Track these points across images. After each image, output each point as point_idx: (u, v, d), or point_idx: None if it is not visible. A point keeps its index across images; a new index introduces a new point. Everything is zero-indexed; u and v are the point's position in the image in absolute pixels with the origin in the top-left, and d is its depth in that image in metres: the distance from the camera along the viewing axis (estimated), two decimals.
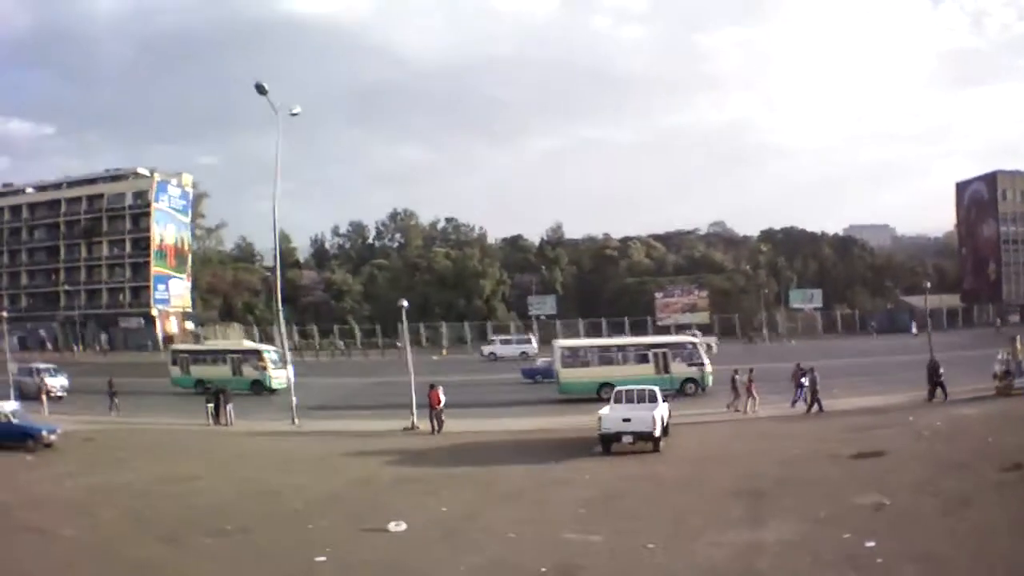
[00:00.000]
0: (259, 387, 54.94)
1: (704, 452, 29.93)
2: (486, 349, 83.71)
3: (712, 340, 75.08)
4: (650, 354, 47.15)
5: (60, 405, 48.01)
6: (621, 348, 49.58)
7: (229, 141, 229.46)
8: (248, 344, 64.86)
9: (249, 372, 55.81)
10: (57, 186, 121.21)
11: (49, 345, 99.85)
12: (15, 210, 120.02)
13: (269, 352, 58.08)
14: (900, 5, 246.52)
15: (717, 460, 28.06)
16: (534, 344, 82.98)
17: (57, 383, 52.58)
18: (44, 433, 33.87)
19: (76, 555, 18.69)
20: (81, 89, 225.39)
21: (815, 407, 37.24)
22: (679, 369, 46.63)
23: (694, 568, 16.42)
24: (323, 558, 17.69)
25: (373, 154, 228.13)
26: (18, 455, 32.07)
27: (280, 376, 53.08)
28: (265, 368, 55.56)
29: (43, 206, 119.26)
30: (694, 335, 60.95)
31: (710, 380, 46.46)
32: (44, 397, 45.67)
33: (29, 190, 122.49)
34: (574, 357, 48.25)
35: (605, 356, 48.17)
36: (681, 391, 45.03)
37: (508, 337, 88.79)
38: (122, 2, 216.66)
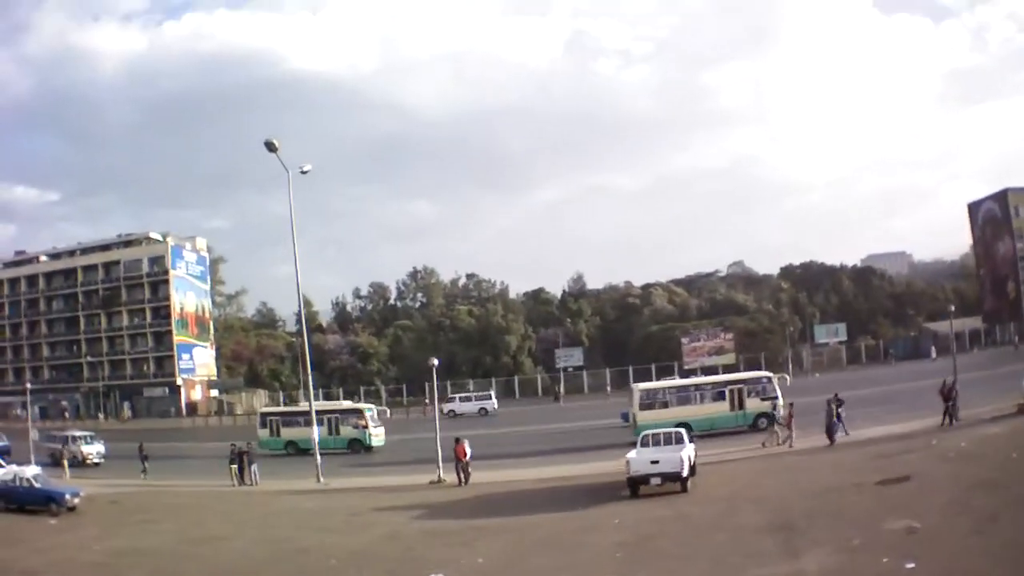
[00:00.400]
0: (358, 445, 54.82)
1: (731, 490, 29.84)
2: (446, 407, 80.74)
3: (785, 375, 75.16)
4: (725, 391, 48.15)
5: (94, 471, 49.43)
6: (697, 387, 50.48)
7: (237, 203, 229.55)
8: (346, 403, 65.14)
9: (347, 431, 55.60)
10: (71, 253, 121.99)
11: (68, 415, 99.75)
12: (31, 280, 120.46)
13: (370, 410, 58.80)
14: (901, 27, 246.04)
15: (744, 497, 28.09)
16: (493, 401, 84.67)
17: (94, 450, 53.61)
18: (67, 496, 34.01)
19: None
20: (86, 154, 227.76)
21: (837, 435, 37.60)
22: (753, 404, 47.12)
23: None
24: None
25: (384, 210, 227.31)
26: (41, 519, 32.22)
27: (379, 433, 55.22)
28: (366, 426, 55.52)
29: (59, 275, 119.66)
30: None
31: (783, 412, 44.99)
32: (65, 462, 46.01)
33: (43, 258, 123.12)
34: (651, 399, 48.93)
35: (682, 396, 49.03)
36: (754, 426, 45.84)
37: (468, 394, 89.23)
38: (125, 67, 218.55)
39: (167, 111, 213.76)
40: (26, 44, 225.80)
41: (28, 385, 61.94)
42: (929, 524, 20.15)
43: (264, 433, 56.23)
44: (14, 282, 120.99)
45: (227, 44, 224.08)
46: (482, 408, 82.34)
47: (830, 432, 37.46)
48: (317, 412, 51.36)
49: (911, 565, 16.63)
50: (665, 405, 48.15)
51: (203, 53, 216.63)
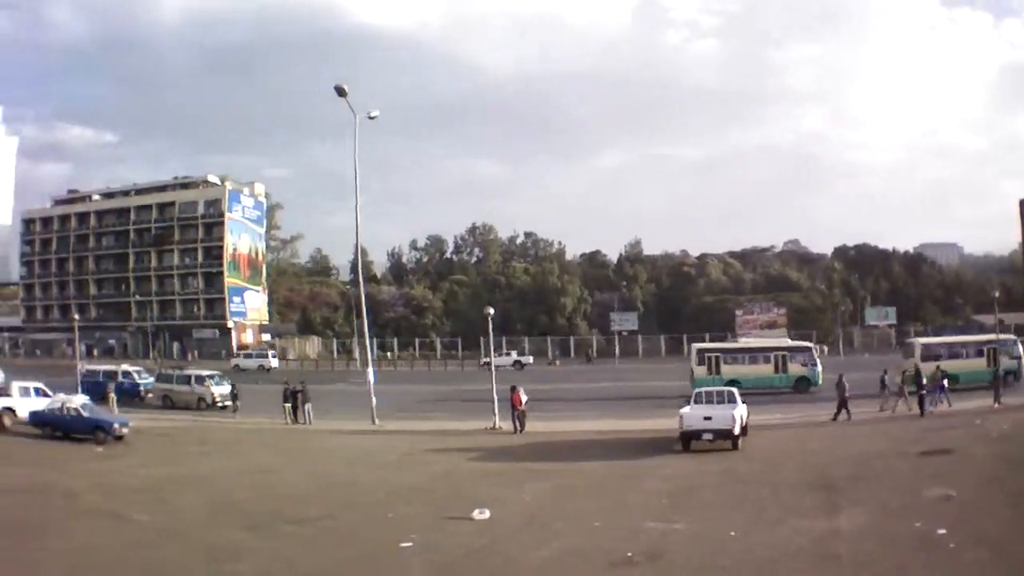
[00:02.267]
0: (805, 384, 53.50)
1: (780, 451, 31.23)
2: (483, 360, 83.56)
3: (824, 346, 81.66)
4: (772, 356, 54.49)
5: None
6: (748, 350, 57.06)
7: (298, 153, 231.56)
8: (791, 341, 67.14)
9: (795, 369, 54.47)
10: (125, 193, 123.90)
11: (116, 353, 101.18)
12: (82, 217, 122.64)
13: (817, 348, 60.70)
14: (963, 20, 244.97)
15: (792, 458, 29.33)
16: (528, 357, 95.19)
17: (220, 391, 50.21)
18: (116, 426, 35.14)
19: (152, 537, 19.15)
20: (144, 98, 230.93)
21: (843, 414, 38.71)
22: (795, 369, 53.88)
23: (774, 552, 16.84)
24: (408, 543, 17.92)
25: (445, 166, 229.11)
26: (87, 447, 33.41)
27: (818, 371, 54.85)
28: (815, 364, 55.11)
29: (111, 214, 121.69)
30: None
31: (820, 379, 52.70)
32: (111, 396, 45.56)
33: (96, 197, 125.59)
34: (707, 358, 54.24)
35: (734, 357, 54.97)
36: (795, 388, 52.49)
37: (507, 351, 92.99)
38: (185, 13, 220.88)
39: (228, 59, 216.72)
40: None
41: (75, 319, 62.66)
42: (965, 495, 21.01)
43: (701, 371, 53.58)
44: (64, 219, 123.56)
45: None
46: (516, 362, 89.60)
47: (843, 407, 38.77)
48: (760, 350, 55.89)
49: (942, 531, 17.33)
50: (719, 364, 53.44)
51: (266, 2, 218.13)
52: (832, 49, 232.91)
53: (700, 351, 55.72)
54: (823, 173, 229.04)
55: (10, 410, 37.89)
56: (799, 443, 32.73)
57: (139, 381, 53.22)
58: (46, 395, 39.30)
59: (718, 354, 55.11)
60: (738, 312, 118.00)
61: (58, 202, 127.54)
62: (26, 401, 38.42)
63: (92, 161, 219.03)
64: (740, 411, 31.81)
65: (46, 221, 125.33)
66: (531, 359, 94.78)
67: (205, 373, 53.29)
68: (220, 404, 49.09)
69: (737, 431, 30.59)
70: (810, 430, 36.39)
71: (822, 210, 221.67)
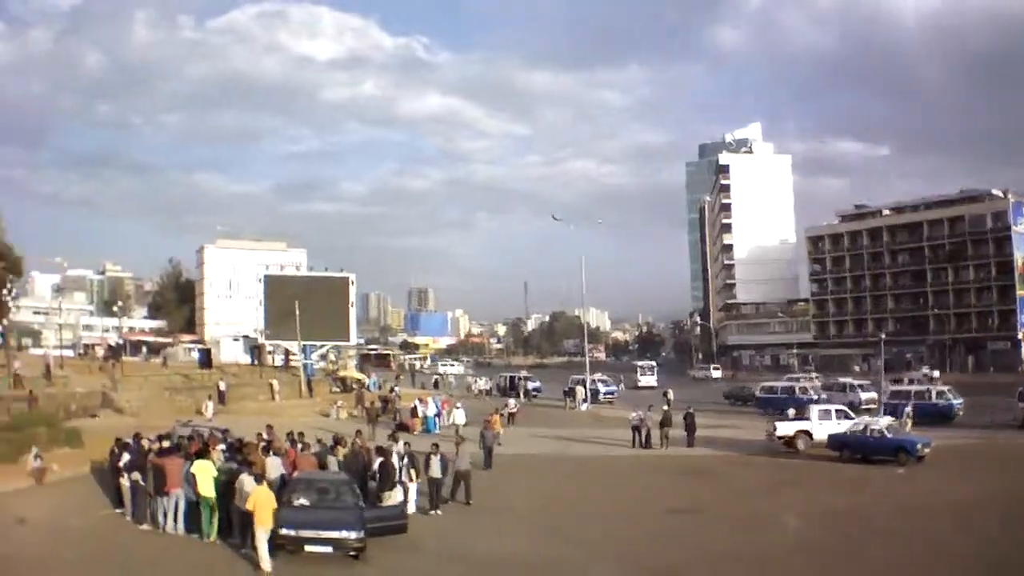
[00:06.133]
0: None
1: None
2: None
3: None
4: None
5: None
6: None
7: None
8: None
9: None
10: (914, 208, 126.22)
11: (913, 367, 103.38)
12: (873, 233, 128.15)
13: None
14: None
15: None
16: None
17: None
18: (919, 446, 35.22)
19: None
20: (904, 110, 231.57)
21: None
22: None
23: None
24: None
25: None
26: (889, 469, 34.01)
27: None
28: None
29: (902, 229, 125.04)
30: None
31: None
32: (908, 415, 44.22)
33: (886, 212, 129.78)
34: None
35: None
36: None
37: None
38: (926, 23, 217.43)
39: (982, 66, 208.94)
40: None
41: (882, 336, 66.28)
42: None
43: None
44: (854, 235, 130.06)
45: None
46: None
47: None
48: None
49: None
50: None
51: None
52: None
53: None
54: None
55: (805, 433, 39.49)
56: None
57: (951, 401, 50.85)
58: (848, 417, 40.11)
59: None
60: None
61: (844, 218, 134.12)
62: (825, 424, 39.56)
63: (869, 174, 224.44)
64: None
65: (834, 238, 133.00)
66: None
67: None
68: None
69: None
70: None
71: None
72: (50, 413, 42.45)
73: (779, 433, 40.15)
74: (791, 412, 43.60)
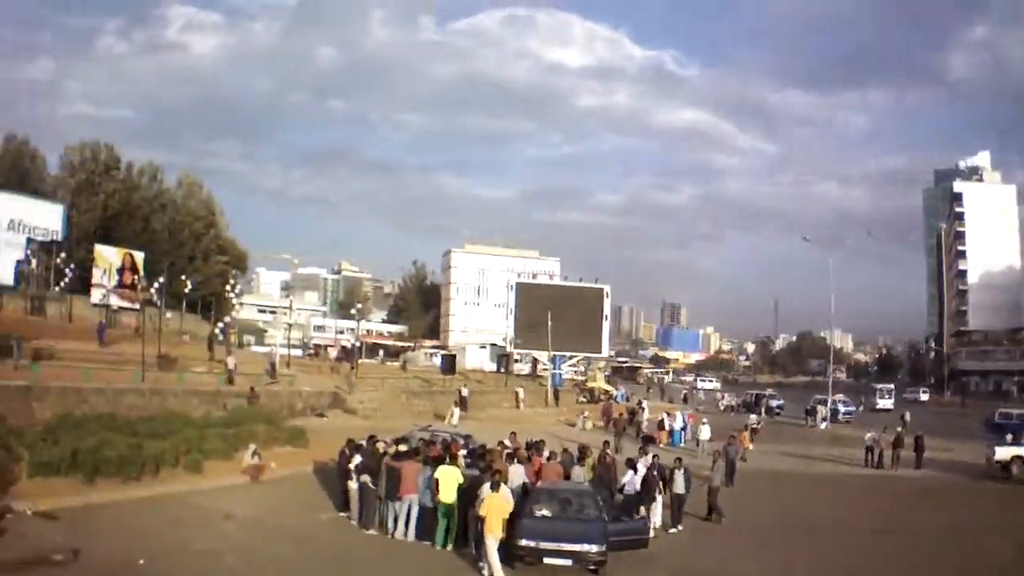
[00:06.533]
0: None
1: None
2: None
3: None
4: None
5: None
6: None
7: None
8: None
9: None
10: None
11: None
12: None
13: None
14: None
15: None
16: None
17: None
18: None
19: None
20: None
21: None
22: None
23: None
24: None
25: None
26: None
27: None
28: None
29: None
30: None
31: None
32: None
33: None
34: None
35: None
36: None
37: None
38: None
39: None
40: None
41: None
42: None
43: None
44: None
45: None
46: None
47: None
48: None
49: None
50: None
51: None
52: None
53: None
54: None
55: (1020, 459, 37.87)
56: None
57: None
58: None
59: None
60: None
61: None
62: None
63: None
64: None
65: None
66: None
67: None
68: None
69: None
70: None
71: None
72: (272, 411, 41.67)
73: (996, 458, 38.85)
74: (1009, 437, 42.58)
